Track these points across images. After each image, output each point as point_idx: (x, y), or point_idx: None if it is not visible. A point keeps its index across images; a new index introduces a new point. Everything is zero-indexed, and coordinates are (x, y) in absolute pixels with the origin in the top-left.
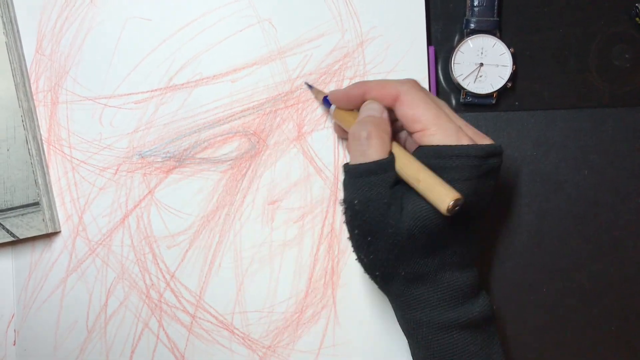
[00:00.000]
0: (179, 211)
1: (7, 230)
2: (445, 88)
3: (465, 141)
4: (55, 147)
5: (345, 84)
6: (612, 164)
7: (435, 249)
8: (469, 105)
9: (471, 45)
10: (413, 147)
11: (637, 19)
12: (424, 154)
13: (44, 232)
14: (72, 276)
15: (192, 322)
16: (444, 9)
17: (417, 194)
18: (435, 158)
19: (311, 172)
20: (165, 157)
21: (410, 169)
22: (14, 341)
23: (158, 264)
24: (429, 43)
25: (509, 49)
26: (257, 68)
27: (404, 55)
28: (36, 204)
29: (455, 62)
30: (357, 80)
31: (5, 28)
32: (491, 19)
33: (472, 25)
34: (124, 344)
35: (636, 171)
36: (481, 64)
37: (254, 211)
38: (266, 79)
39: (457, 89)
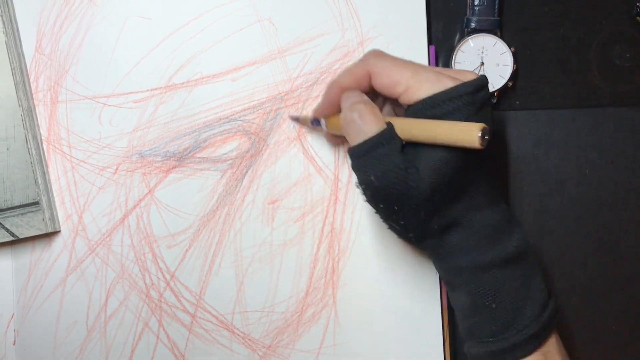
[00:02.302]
0: (179, 211)
1: (7, 230)
2: None
3: (450, 84)
4: (54, 146)
5: None
6: (613, 163)
7: (460, 193)
8: None
9: (472, 45)
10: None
11: (638, 18)
12: (417, 111)
13: (44, 232)
14: (72, 276)
15: (192, 322)
16: (444, 8)
17: (427, 149)
18: (430, 110)
19: (311, 171)
20: (165, 156)
21: (417, 128)
22: (14, 341)
23: (158, 263)
24: (429, 42)
25: (510, 48)
26: (257, 67)
27: (405, 55)
28: (36, 203)
29: (455, 61)
30: None
31: (5, 27)
32: (492, 18)
33: (473, 25)
34: (123, 343)
35: (637, 170)
36: (482, 63)
37: (254, 210)
38: (266, 78)
39: None
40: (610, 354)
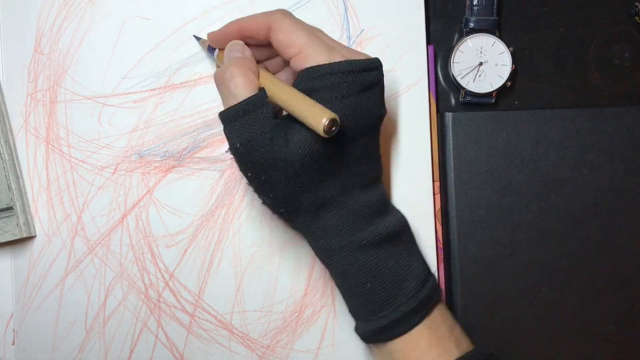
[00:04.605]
0: (178, 210)
1: None
2: (445, 87)
3: (337, 59)
4: (53, 146)
5: None
6: (612, 163)
7: (333, 172)
8: (469, 105)
9: (470, 45)
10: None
11: (637, 18)
12: (302, 78)
13: (18, 237)
14: (71, 276)
15: (191, 322)
16: (443, 8)
17: (301, 123)
18: (310, 80)
19: None
20: (164, 156)
21: (283, 96)
22: (13, 341)
23: (157, 263)
24: (428, 42)
25: (509, 48)
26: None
27: (404, 54)
28: (10, 208)
29: (454, 61)
30: None
31: None
32: (490, 18)
33: (472, 25)
34: (122, 343)
35: (635, 170)
36: (480, 63)
37: (252, 210)
38: None
39: (457, 88)
40: (610, 354)
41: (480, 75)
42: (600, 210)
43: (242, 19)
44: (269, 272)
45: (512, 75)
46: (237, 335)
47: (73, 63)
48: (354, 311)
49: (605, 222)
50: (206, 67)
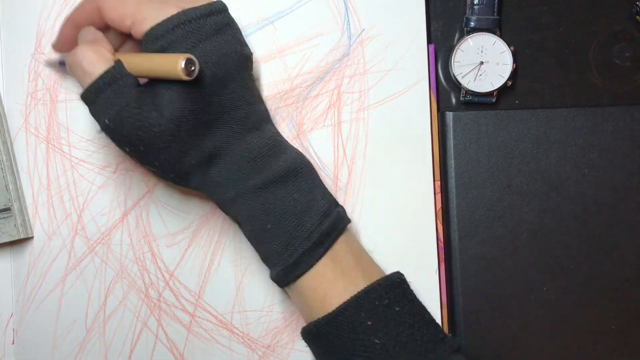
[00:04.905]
0: (178, 210)
1: None
2: (446, 86)
3: (173, 11)
4: (54, 145)
5: (345, 82)
6: (612, 163)
7: (210, 124)
8: (469, 104)
9: (471, 44)
10: None
11: (638, 17)
12: (146, 43)
13: (15, 238)
14: (71, 275)
15: (191, 322)
16: (444, 7)
17: (164, 84)
18: (155, 41)
19: None
20: None
21: (136, 61)
22: (13, 340)
23: (157, 263)
24: (429, 41)
25: (509, 47)
26: (257, 66)
27: (404, 54)
28: (7, 209)
29: (455, 60)
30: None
31: None
32: (491, 17)
33: (472, 24)
34: (122, 343)
35: (636, 170)
36: (481, 63)
37: None
38: (265, 77)
39: (457, 87)
40: (610, 354)
41: (481, 75)
42: (600, 209)
43: (70, 14)
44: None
45: (513, 75)
46: (237, 335)
47: None
48: (265, 258)
49: (606, 221)
50: None
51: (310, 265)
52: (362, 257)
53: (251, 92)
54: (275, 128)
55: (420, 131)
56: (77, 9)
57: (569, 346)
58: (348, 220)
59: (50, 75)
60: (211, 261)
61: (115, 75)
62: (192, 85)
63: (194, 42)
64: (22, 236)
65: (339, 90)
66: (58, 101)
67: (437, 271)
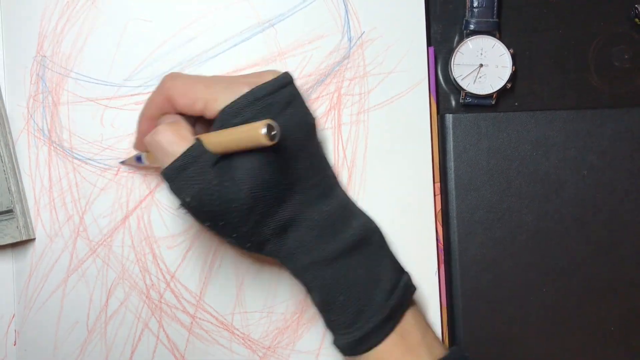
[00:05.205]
0: (179, 212)
1: None
2: (445, 89)
3: (245, 89)
4: (56, 147)
5: (345, 85)
6: (612, 165)
7: (285, 194)
8: (469, 106)
9: (471, 46)
10: None
11: (637, 19)
12: (220, 121)
13: (18, 240)
14: (73, 276)
15: (192, 323)
16: (443, 10)
17: (240, 158)
18: (230, 119)
19: None
20: None
21: (218, 138)
22: (15, 341)
23: (158, 264)
24: (428, 44)
25: (509, 49)
26: (257, 69)
27: (404, 56)
28: (10, 211)
29: (454, 63)
30: (357, 80)
31: None
32: (491, 19)
33: (472, 26)
34: (124, 344)
35: (636, 172)
36: (481, 65)
37: None
38: None
39: (457, 89)
40: (610, 354)
41: (480, 77)
42: (600, 211)
43: (143, 111)
44: (270, 273)
45: (512, 77)
46: (238, 336)
47: (75, 65)
48: (330, 325)
49: (606, 223)
50: (209, 68)
51: (379, 341)
52: (427, 332)
53: (320, 159)
54: (343, 192)
55: (420, 133)
56: (148, 104)
57: (568, 347)
58: (414, 289)
59: (52, 78)
60: (212, 263)
61: (197, 154)
62: (269, 155)
63: (270, 116)
64: (24, 238)
65: (339, 93)
66: (60, 103)
67: (437, 273)
